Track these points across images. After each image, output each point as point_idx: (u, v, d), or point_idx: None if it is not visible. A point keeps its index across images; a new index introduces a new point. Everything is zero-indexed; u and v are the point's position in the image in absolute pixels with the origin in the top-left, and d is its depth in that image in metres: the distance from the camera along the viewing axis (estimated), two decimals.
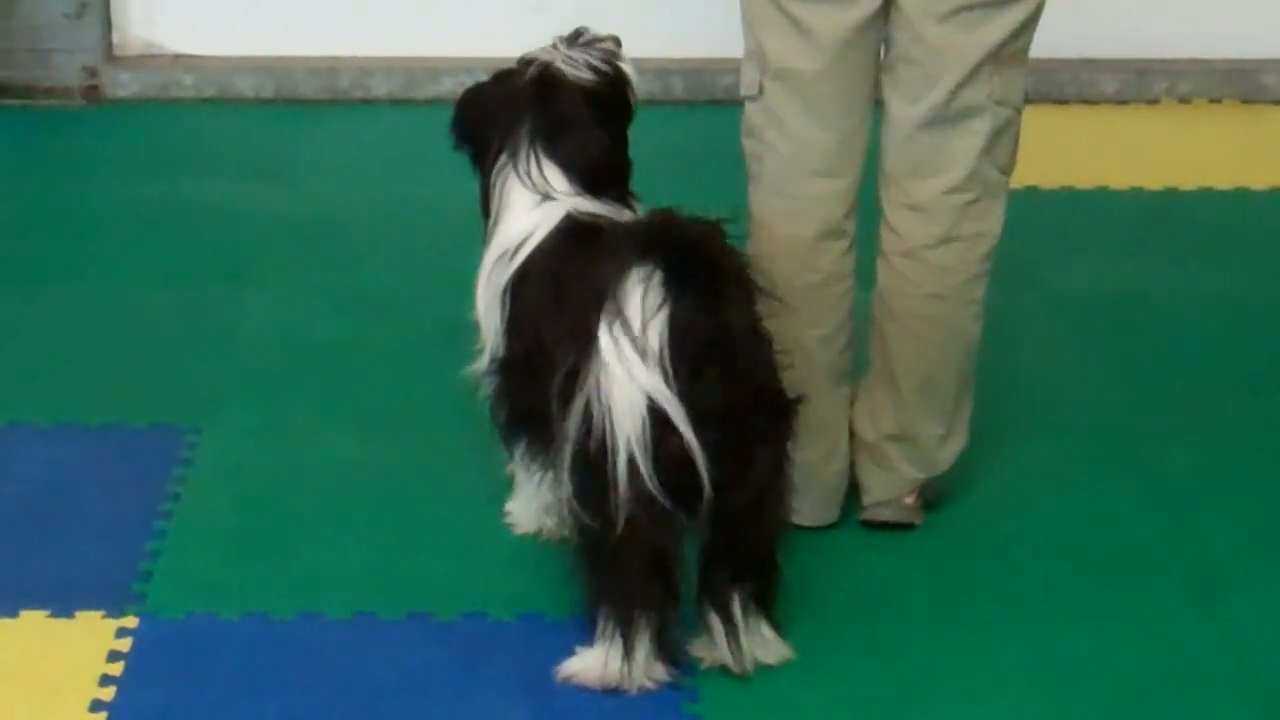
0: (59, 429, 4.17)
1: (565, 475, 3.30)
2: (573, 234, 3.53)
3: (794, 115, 3.64)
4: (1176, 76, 5.91)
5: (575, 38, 3.69)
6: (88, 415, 4.22)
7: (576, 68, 3.63)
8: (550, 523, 3.71)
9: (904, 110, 3.63)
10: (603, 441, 3.21)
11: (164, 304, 4.71)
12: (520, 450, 3.67)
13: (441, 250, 4.90)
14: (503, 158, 3.63)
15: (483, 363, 3.67)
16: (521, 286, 3.57)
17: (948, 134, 3.61)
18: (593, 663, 3.36)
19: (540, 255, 3.55)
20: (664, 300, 3.18)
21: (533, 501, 3.74)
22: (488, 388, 3.68)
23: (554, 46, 3.68)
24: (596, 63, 3.65)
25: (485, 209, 3.69)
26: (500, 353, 3.62)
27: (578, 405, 3.23)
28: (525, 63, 3.68)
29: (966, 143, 3.61)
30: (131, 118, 5.79)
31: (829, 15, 3.58)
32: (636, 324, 3.18)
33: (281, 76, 5.89)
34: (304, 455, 4.09)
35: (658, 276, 3.19)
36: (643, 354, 3.18)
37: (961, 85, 3.57)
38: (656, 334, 3.18)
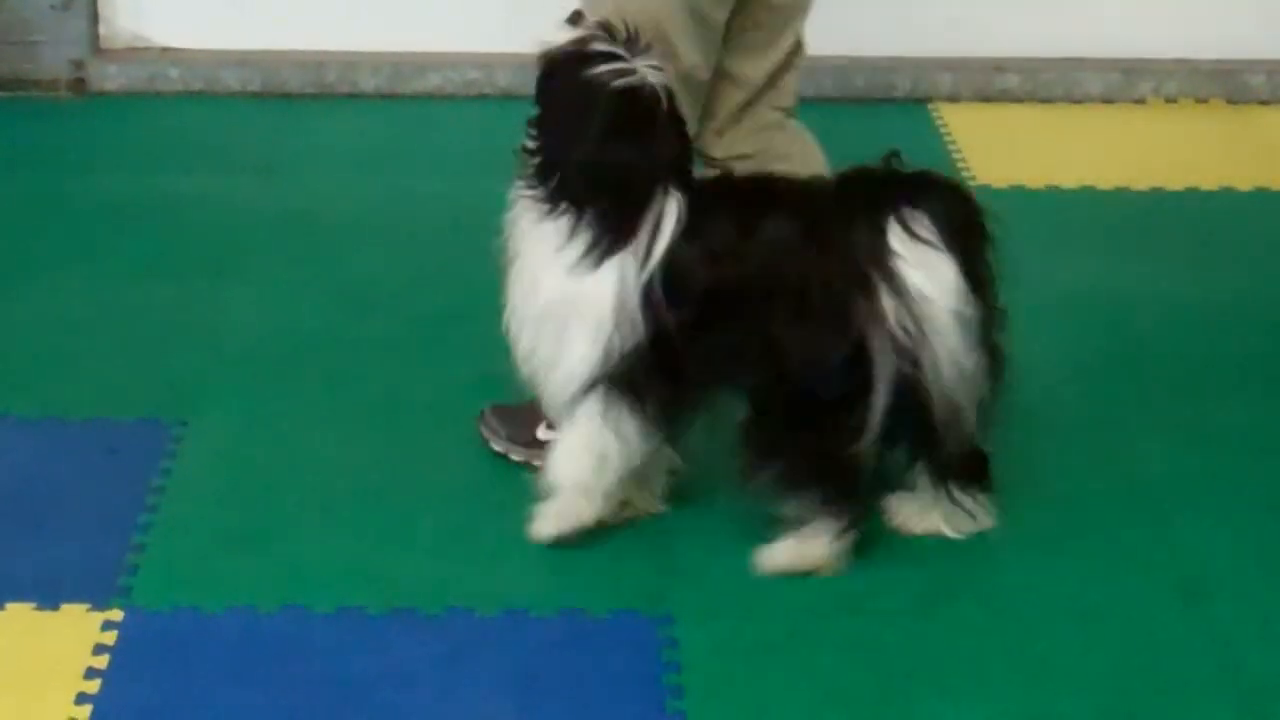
0: (44, 422, 4.17)
1: (872, 400, 3.52)
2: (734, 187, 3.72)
3: (686, 108, 3.77)
4: (1163, 76, 5.92)
5: (634, 42, 3.56)
6: (73, 409, 4.21)
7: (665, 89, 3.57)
8: (613, 502, 3.72)
9: (753, 69, 3.92)
10: (917, 369, 3.52)
11: (150, 298, 4.70)
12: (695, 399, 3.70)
13: (428, 244, 4.89)
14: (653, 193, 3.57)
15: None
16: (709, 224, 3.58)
17: (786, 75, 3.99)
18: (807, 549, 3.65)
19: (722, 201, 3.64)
20: (942, 235, 3.53)
21: (614, 474, 3.66)
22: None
23: (624, 54, 3.53)
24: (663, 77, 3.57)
25: (609, 234, 3.58)
26: (700, 287, 3.56)
27: (882, 342, 3.50)
28: (624, 89, 3.51)
29: (794, 76, 4.03)
30: (118, 111, 5.78)
31: (725, 12, 3.81)
32: (924, 254, 3.51)
33: (268, 70, 5.89)
34: (290, 449, 4.09)
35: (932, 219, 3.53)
36: (940, 282, 3.51)
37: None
38: (948, 264, 3.52)
